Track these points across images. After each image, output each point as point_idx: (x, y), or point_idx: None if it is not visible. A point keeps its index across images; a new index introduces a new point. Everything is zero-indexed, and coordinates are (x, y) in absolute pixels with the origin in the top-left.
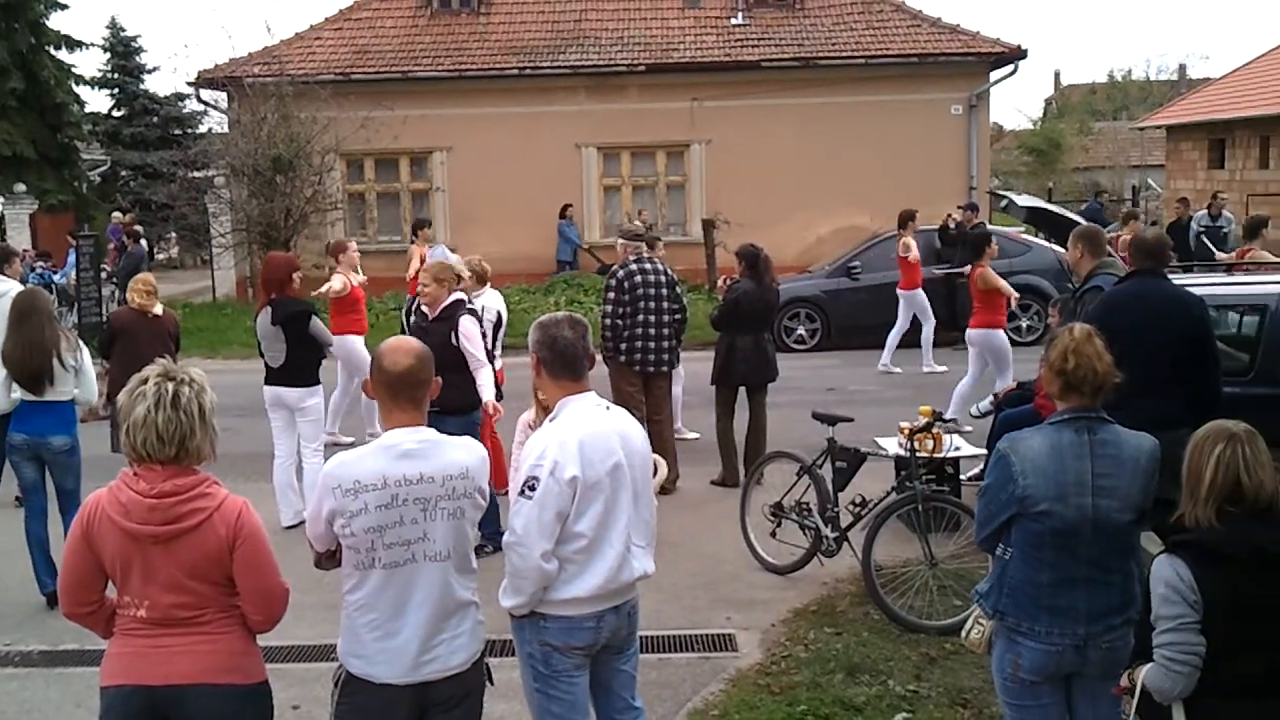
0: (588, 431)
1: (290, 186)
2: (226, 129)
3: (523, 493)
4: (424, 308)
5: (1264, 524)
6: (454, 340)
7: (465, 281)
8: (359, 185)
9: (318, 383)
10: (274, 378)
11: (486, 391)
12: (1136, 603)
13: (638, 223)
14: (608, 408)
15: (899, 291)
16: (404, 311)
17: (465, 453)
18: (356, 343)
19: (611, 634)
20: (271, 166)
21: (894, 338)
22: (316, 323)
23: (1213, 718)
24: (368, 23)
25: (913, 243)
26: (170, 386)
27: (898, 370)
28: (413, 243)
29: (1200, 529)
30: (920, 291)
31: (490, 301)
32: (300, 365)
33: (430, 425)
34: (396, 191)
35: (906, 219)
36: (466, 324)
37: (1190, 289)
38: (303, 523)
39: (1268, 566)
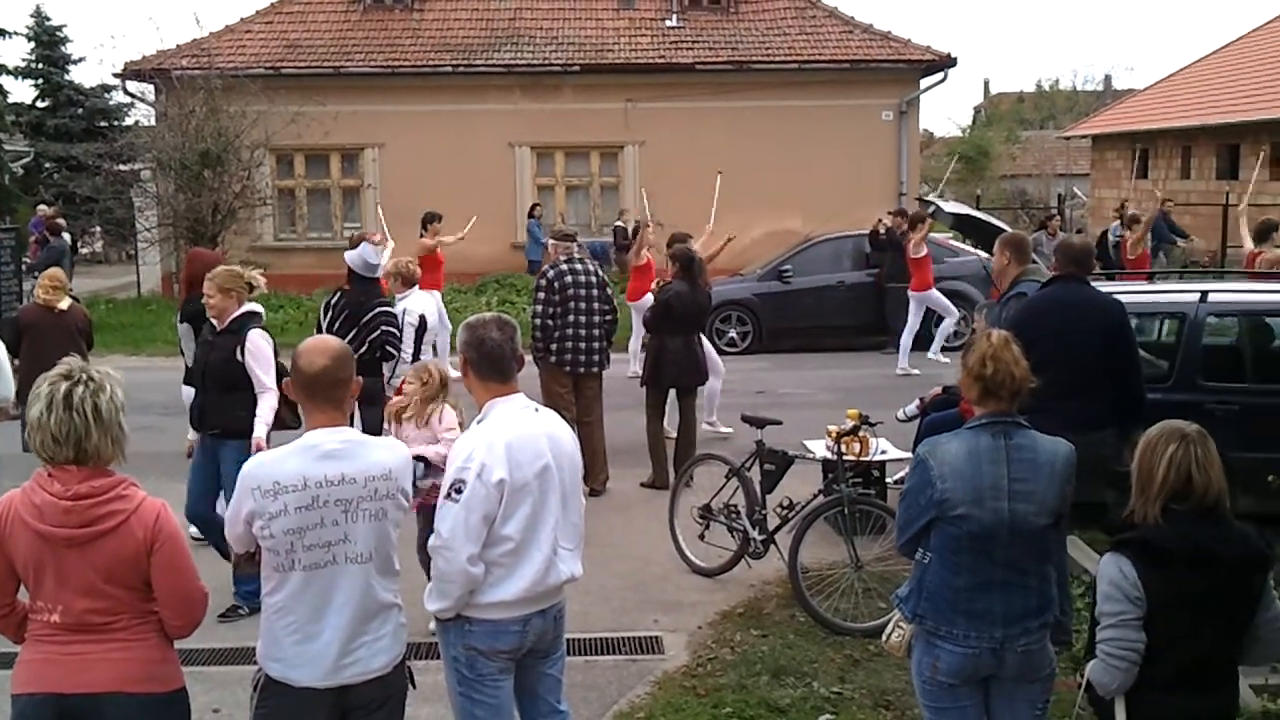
0: (516, 434)
1: (218, 181)
2: (154, 122)
3: (449, 496)
4: (214, 320)
5: (1207, 522)
6: (239, 356)
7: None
8: (289, 181)
9: None
10: (190, 377)
11: (260, 424)
12: (1054, 606)
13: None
14: (536, 409)
15: (910, 293)
16: (322, 308)
17: (388, 453)
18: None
19: (538, 637)
20: (199, 161)
21: (907, 339)
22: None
23: (1153, 710)
24: (299, 17)
25: (923, 243)
26: (64, 387)
27: (916, 372)
28: (422, 236)
29: (1146, 526)
30: (934, 291)
31: (414, 304)
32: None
33: (208, 448)
34: (327, 188)
35: (916, 220)
36: (256, 340)
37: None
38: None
39: (1208, 563)
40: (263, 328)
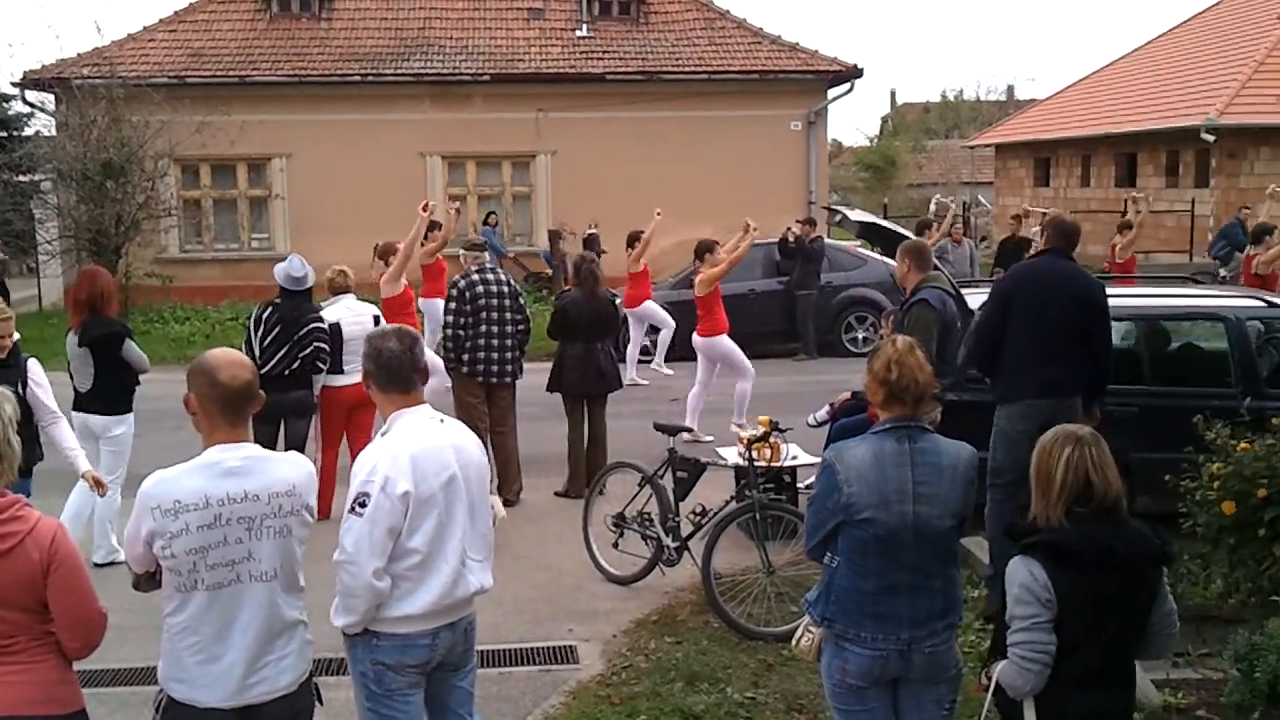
0: (420, 445)
1: (121, 192)
2: (54, 132)
3: (353, 510)
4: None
5: (1109, 522)
6: (20, 390)
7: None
8: (194, 191)
9: (128, 410)
10: (81, 403)
11: (79, 456)
12: (959, 608)
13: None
14: (442, 420)
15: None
16: (253, 322)
17: (292, 469)
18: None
19: (447, 651)
20: (101, 171)
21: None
22: (131, 346)
23: (1060, 708)
24: (204, 25)
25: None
26: None
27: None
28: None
29: (1051, 529)
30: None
31: (329, 314)
32: (109, 391)
33: None
34: (234, 198)
35: (923, 228)
36: (38, 369)
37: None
38: (112, 563)
39: (1112, 563)
40: (32, 359)
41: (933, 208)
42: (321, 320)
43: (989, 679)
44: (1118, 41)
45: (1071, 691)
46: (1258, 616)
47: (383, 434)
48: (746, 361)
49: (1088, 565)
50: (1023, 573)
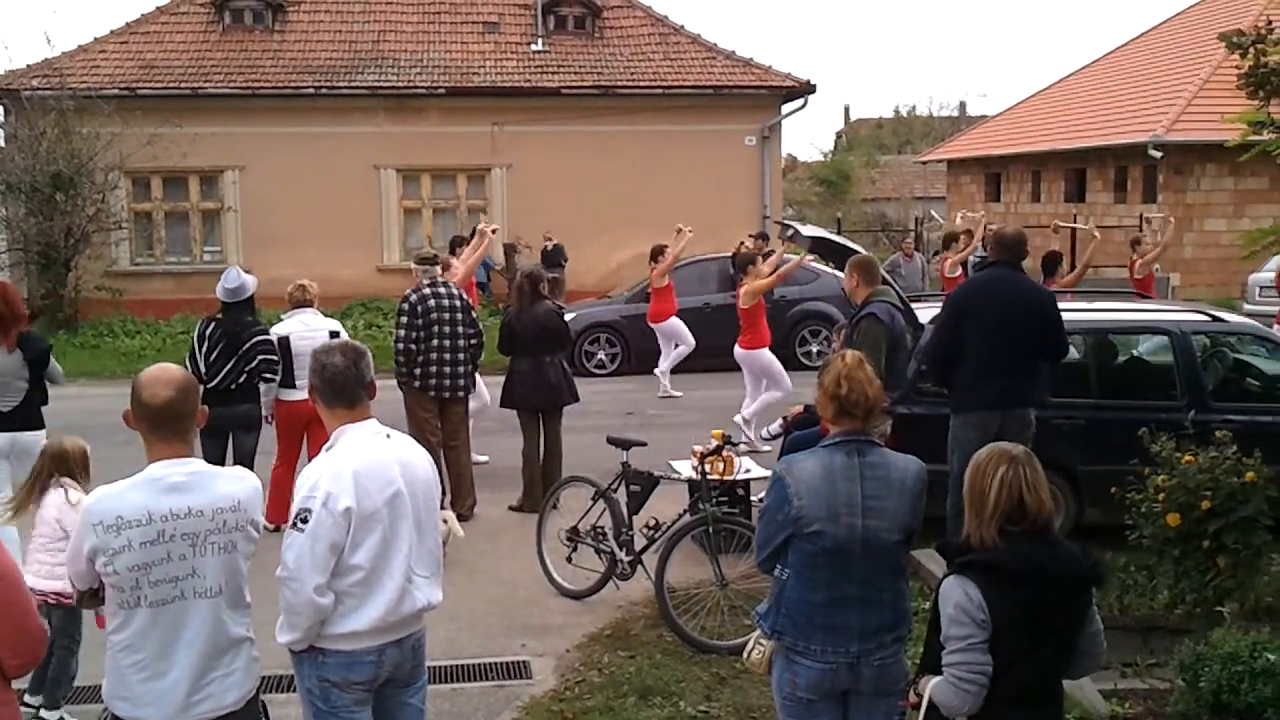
0: (364, 461)
1: (71, 205)
2: (2, 143)
3: (295, 525)
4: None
5: (1042, 542)
6: None
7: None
8: (145, 204)
9: (43, 426)
10: (6, 422)
11: None
12: (907, 620)
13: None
14: (388, 435)
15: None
16: (196, 336)
17: (237, 484)
18: None
19: (395, 668)
20: (51, 184)
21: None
22: (54, 363)
23: None
24: (155, 37)
25: (959, 263)
26: None
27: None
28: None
29: (985, 548)
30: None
31: (279, 328)
32: (35, 407)
33: None
34: (185, 211)
35: (950, 240)
36: None
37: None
38: None
39: (1046, 582)
40: None
41: (959, 221)
42: (266, 333)
43: (919, 695)
44: (1067, 59)
45: (1005, 710)
46: (1202, 627)
47: (327, 449)
48: (784, 375)
49: (1022, 584)
50: (957, 593)
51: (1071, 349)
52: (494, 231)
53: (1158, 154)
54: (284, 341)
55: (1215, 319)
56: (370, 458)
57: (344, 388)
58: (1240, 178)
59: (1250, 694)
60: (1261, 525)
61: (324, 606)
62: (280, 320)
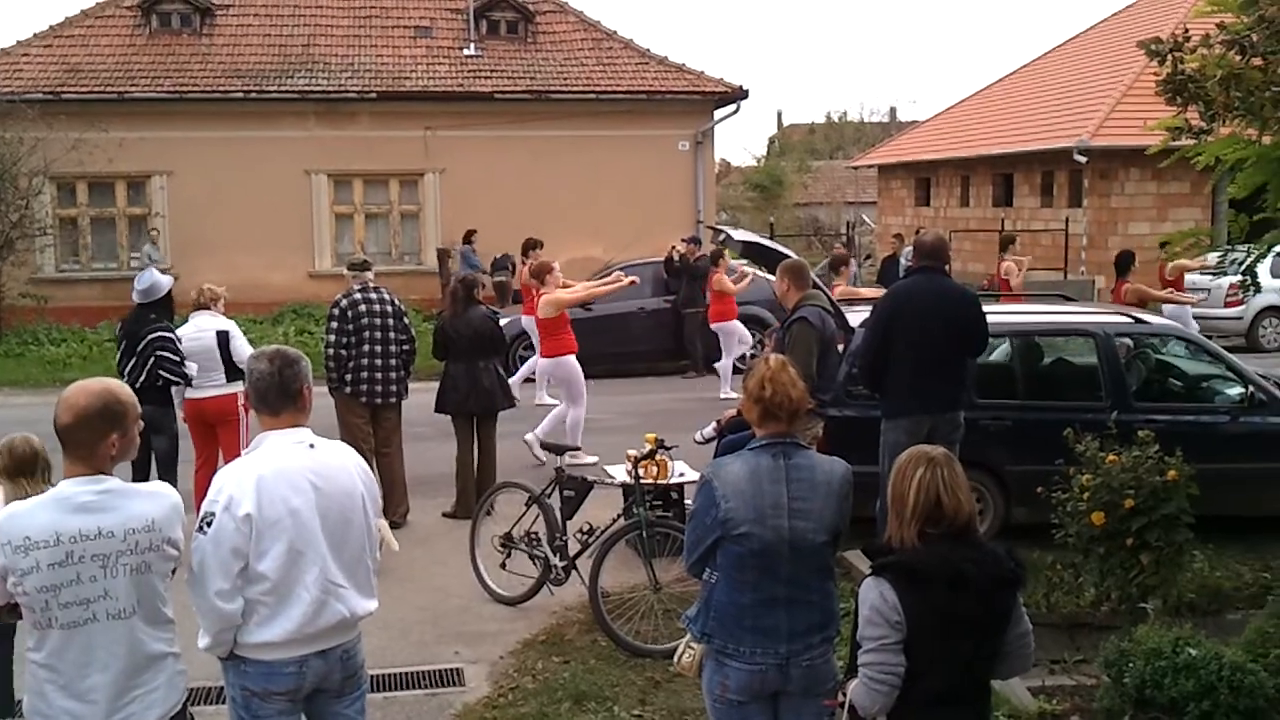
0: (273, 468)
1: None
2: None
3: (200, 529)
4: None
5: (961, 544)
6: None
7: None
8: (71, 210)
9: None
10: None
11: None
12: (835, 621)
13: (359, 255)
14: (311, 445)
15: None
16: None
17: (151, 504)
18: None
19: (320, 679)
20: None
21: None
22: None
23: None
24: (80, 40)
25: (1014, 267)
26: None
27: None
28: (524, 263)
29: (904, 551)
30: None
31: (183, 329)
32: None
33: None
34: (112, 216)
35: (1007, 242)
36: None
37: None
38: None
39: (964, 584)
40: None
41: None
42: (163, 330)
43: (844, 695)
44: (995, 65)
45: (923, 711)
46: (1127, 623)
47: (246, 453)
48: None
49: (938, 587)
50: (873, 594)
51: (998, 351)
52: (632, 283)
53: (1083, 159)
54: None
55: (1138, 321)
56: (280, 465)
57: (265, 394)
58: (1163, 182)
59: (1173, 689)
60: (1183, 523)
61: (229, 612)
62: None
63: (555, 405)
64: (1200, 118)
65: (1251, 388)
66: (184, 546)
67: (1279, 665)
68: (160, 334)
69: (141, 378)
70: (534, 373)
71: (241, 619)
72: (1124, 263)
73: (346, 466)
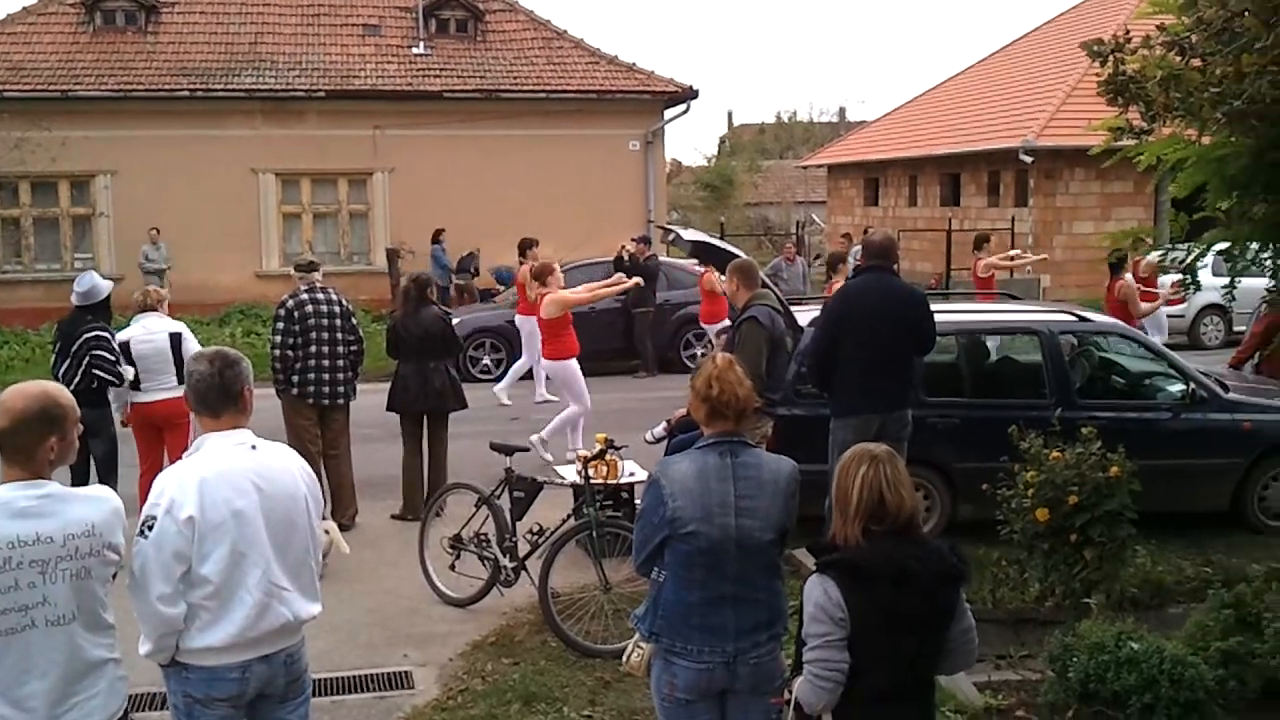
0: (215, 470)
1: None
2: None
3: (141, 533)
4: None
5: (905, 541)
6: None
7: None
8: (13, 210)
9: None
10: None
11: None
12: (783, 619)
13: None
14: (253, 446)
15: None
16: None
17: (91, 508)
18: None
19: (264, 684)
20: None
21: None
22: None
23: None
24: (22, 38)
25: (992, 264)
26: None
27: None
28: (521, 262)
29: (849, 548)
30: None
31: (125, 333)
32: None
33: None
34: (56, 217)
35: (982, 241)
36: None
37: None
38: None
39: (908, 581)
40: None
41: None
42: (99, 331)
43: (790, 693)
44: (943, 65)
45: (868, 707)
46: (1071, 618)
47: (187, 456)
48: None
49: (882, 584)
50: (817, 591)
51: (945, 350)
52: (636, 284)
53: (1029, 159)
54: (124, 346)
55: (1082, 319)
56: (222, 468)
57: (205, 396)
58: (1106, 181)
59: (1116, 682)
60: (1125, 518)
61: (171, 617)
62: (126, 326)
63: (555, 401)
64: (1141, 118)
65: (1192, 385)
66: (125, 551)
67: (1219, 658)
68: (95, 334)
69: (77, 380)
70: (523, 374)
71: (183, 624)
72: (1119, 262)
73: (289, 468)
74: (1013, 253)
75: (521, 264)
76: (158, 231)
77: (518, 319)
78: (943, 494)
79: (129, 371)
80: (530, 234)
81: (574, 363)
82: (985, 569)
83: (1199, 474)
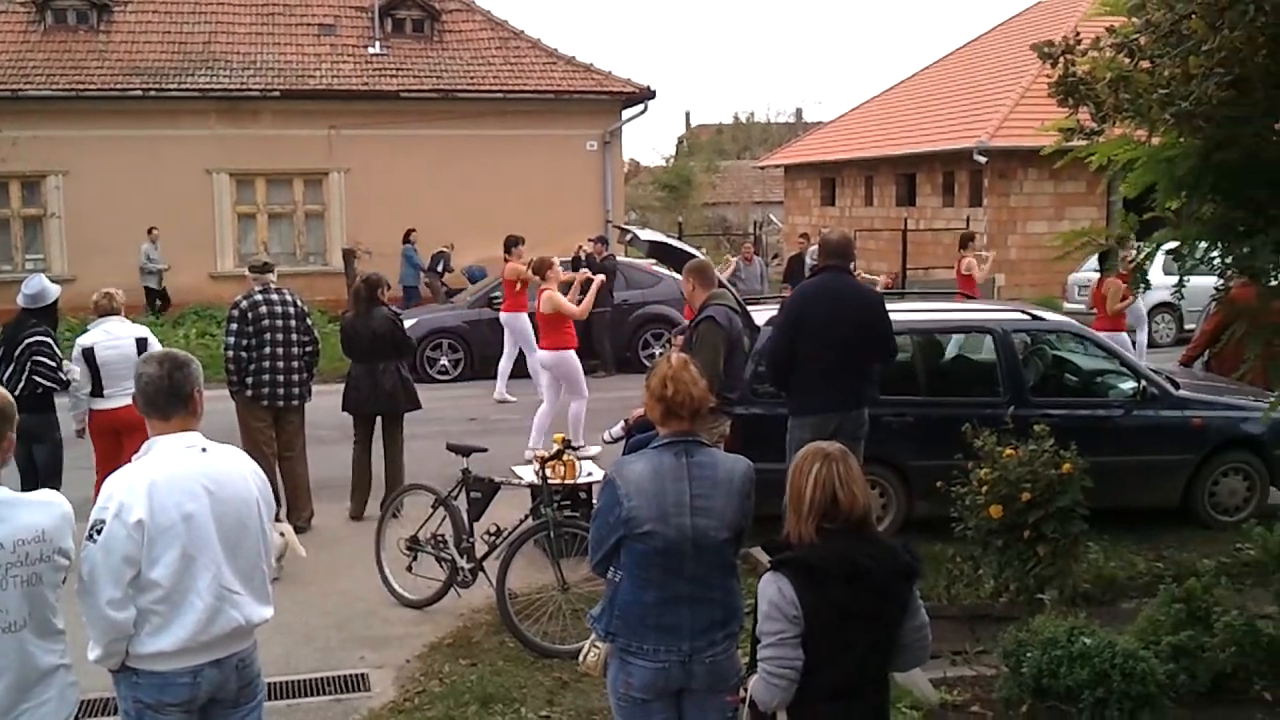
0: (165, 473)
1: None
2: None
3: (90, 537)
4: None
5: (858, 538)
6: None
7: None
8: None
9: None
10: None
11: None
12: (738, 618)
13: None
14: (204, 449)
15: None
16: None
17: (41, 513)
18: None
19: (216, 688)
20: None
21: None
22: None
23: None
24: None
25: (975, 263)
26: None
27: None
28: (507, 260)
29: (802, 546)
30: None
31: (87, 337)
32: None
33: None
34: (6, 217)
35: (967, 240)
36: None
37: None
38: None
39: (861, 578)
40: None
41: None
42: (40, 336)
43: (745, 691)
44: (898, 67)
45: (822, 704)
46: (1025, 614)
47: (135, 459)
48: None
49: (835, 581)
50: (771, 589)
51: (901, 349)
52: (600, 282)
53: (983, 159)
54: (89, 352)
55: (1035, 318)
56: (172, 470)
57: (155, 398)
58: (1060, 182)
59: (1069, 677)
60: (1078, 514)
61: (120, 622)
62: (86, 330)
63: (514, 402)
64: (1092, 119)
65: (1143, 382)
66: (75, 555)
67: (1170, 652)
68: (37, 339)
69: (20, 385)
70: (509, 375)
71: (133, 628)
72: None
73: (240, 471)
74: (983, 253)
75: (507, 261)
76: (157, 230)
77: (503, 316)
78: (898, 492)
79: (74, 372)
80: (487, 234)
81: (573, 354)
82: (940, 566)
83: (1150, 470)
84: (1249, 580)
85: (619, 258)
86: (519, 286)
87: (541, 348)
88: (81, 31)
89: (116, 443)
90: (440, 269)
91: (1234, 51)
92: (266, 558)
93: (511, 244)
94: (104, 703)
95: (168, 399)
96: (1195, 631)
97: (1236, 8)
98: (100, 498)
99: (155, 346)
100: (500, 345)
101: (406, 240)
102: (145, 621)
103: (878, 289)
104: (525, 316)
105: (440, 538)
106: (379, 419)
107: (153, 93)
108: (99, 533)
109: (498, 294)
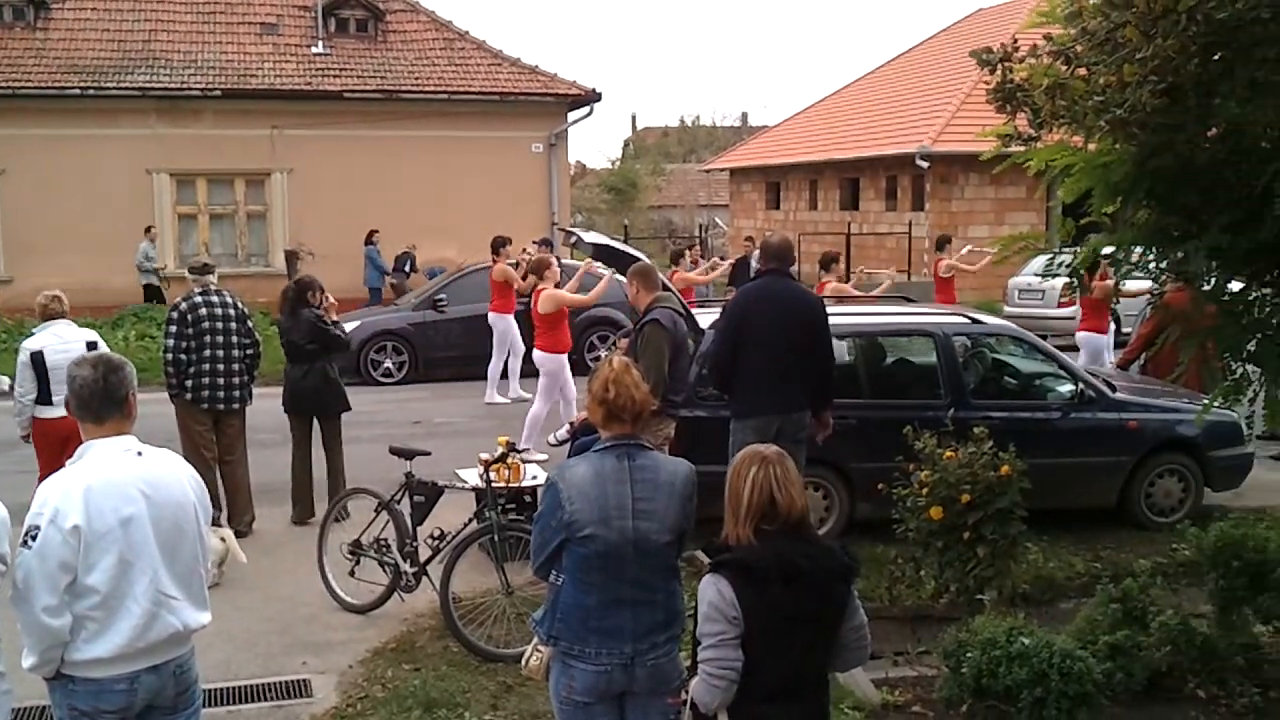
0: (101, 478)
1: None
2: None
3: (24, 543)
4: None
5: (796, 540)
6: None
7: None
8: None
9: None
10: None
11: None
12: (680, 620)
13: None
14: (140, 453)
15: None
16: None
17: None
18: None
19: (153, 695)
20: None
21: None
22: None
23: None
24: None
25: (956, 265)
26: None
27: None
28: (494, 260)
29: (741, 547)
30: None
31: (35, 341)
32: None
33: None
34: None
35: (944, 242)
36: None
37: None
38: None
39: (799, 579)
40: None
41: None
42: None
43: (687, 693)
44: (842, 72)
45: (762, 705)
46: (966, 614)
47: (71, 463)
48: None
49: (774, 582)
50: (711, 591)
51: (843, 352)
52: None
53: (925, 164)
54: (38, 356)
55: (975, 321)
56: (108, 475)
57: (90, 401)
58: (1000, 187)
59: (1008, 677)
60: (1016, 516)
61: (56, 629)
62: (32, 334)
63: (530, 404)
64: (1029, 125)
65: (1081, 385)
66: (10, 562)
67: (1106, 651)
68: None
69: None
70: (507, 374)
71: (69, 635)
72: (1093, 267)
73: (177, 475)
74: (965, 250)
75: (495, 262)
76: (156, 230)
77: (491, 316)
78: (841, 493)
79: (4, 381)
80: (433, 236)
81: (564, 358)
82: (882, 567)
83: (1088, 472)
84: (1184, 580)
85: (564, 260)
86: (507, 287)
87: (538, 347)
88: (18, 29)
89: (61, 450)
90: (406, 269)
91: (1167, 60)
92: (204, 562)
93: (499, 244)
94: (39, 710)
95: (102, 402)
96: (1131, 631)
97: (1170, 17)
98: (35, 503)
99: (105, 350)
100: (442, 349)
101: (369, 241)
102: (81, 628)
103: (882, 289)
104: (511, 318)
105: (383, 542)
106: (315, 420)
107: (91, 91)
108: (34, 539)
109: (442, 296)
